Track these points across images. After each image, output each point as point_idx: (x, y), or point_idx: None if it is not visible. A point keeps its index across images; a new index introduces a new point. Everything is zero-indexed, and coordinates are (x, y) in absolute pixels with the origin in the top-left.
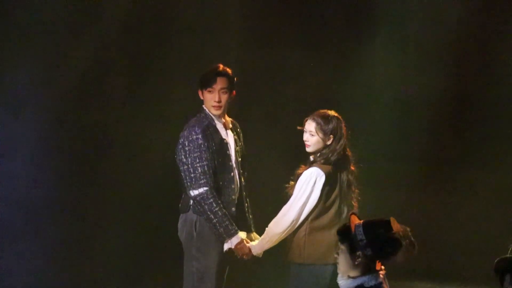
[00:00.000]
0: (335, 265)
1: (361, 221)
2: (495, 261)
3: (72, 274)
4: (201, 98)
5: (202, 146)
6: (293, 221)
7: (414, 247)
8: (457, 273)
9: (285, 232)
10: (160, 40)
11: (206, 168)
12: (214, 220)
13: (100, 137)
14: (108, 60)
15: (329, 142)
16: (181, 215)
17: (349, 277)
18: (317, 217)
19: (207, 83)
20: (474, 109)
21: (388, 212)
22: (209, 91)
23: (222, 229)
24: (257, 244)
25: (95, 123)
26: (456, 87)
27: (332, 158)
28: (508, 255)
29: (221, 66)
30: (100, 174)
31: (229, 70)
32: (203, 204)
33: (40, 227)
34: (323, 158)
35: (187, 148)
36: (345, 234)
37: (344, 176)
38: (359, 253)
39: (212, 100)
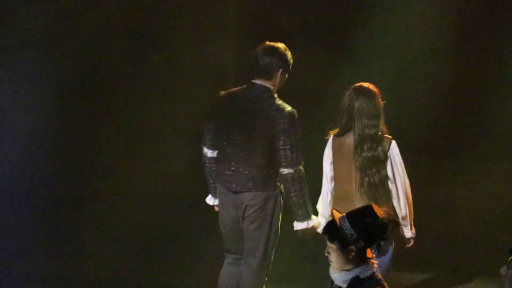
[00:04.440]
0: None
1: (344, 214)
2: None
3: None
4: (278, 78)
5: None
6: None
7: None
8: (449, 263)
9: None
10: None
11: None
12: (306, 197)
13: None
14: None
15: None
16: (257, 192)
17: (342, 270)
18: None
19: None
20: (468, 99)
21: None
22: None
23: (310, 209)
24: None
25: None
26: (450, 74)
27: None
28: None
29: None
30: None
31: None
32: (300, 181)
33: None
34: None
35: (297, 128)
36: (333, 231)
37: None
38: (351, 247)
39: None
